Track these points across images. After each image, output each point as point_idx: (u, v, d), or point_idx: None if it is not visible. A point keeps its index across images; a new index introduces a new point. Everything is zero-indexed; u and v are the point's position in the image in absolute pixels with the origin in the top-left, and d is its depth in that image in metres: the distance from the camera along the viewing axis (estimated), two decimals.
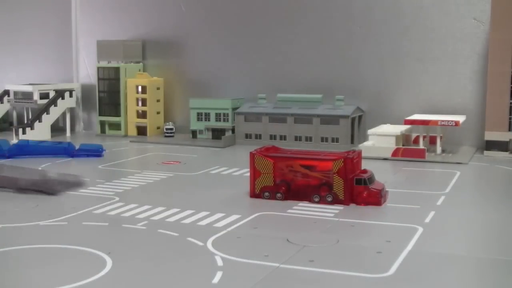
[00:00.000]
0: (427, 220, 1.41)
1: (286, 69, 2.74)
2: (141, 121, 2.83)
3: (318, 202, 1.55)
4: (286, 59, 2.74)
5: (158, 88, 2.88)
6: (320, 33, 2.68)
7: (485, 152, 2.32)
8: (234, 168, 2.04)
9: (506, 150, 2.30)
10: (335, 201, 1.54)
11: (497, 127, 2.30)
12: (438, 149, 2.29)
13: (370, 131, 2.34)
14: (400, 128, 2.36)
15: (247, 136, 2.59)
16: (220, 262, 1.11)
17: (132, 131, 2.85)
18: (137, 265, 1.11)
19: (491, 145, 2.32)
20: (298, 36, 2.72)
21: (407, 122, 2.30)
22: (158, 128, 2.87)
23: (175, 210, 1.49)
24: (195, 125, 2.70)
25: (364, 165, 2.14)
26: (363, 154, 2.22)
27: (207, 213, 1.46)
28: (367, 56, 2.62)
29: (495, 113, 2.30)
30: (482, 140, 2.45)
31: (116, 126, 2.88)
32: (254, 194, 1.62)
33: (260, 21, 2.78)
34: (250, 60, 2.81)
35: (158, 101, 2.88)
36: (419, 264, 1.12)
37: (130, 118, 2.85)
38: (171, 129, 2.78)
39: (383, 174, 2.00)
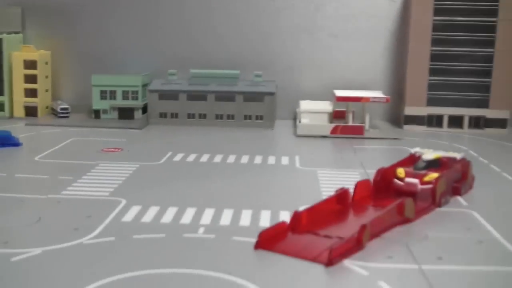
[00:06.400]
0: None
1: (193, 44, 2.57)
2: (31, 101, 2.48)
3: None
4: (193, 32, 2.57)
5: (46, 63, 2.54)
6: (230, 5, 2.56)
7: (405, 127, 2.43)
8: (187, 153, 1.89)
9: (423, 124, 2.43)
10: None
11: (416, 103, 2.42)
12: (367, 124, 2.34)
13: (301, 109, 2.32)
14: (322, 105, 2.37)
15: (162, 115, 2.41)
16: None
17: (19, 112, 2.47)
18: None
19: (409, 120, 2.43)
20: (207, 9, 2.57)
21: (340, 99, 2.30)
22: (46, 107, 2.55)
23: (197, 209, 1.34)
24: (99, 104, 2.43)
25: (306, 143, 2.14)
26: (302, 133, 2.23)
27: (230, 210, 1.35)
28: (279, 31, 2.56)
29: (414, 90, 2.41)
30: (392, 115, 2.56)
31: None
32: None
33: None
34: (152, 33, 2.58)
35: (46, 77, 2.55)
36: None
37: (16, 97, 2.48)
38: (66, 108, 2.48)
39: (346, 153, 2.00)
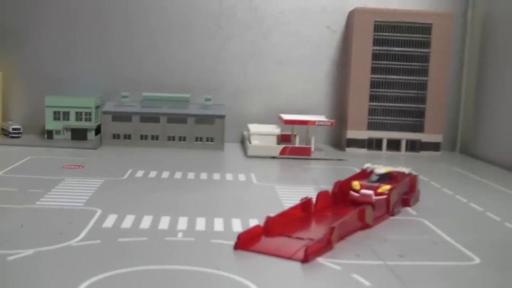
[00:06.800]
0: None
1: (144, 68, 2.67)
2: None
3: None
4: (144, 57, 2.67)
5: None
6: (180, 32, 2.67)
7: (346, 149, 2.58)
8: (147, 170, 1.97)
9: (364, 147, 2.58)
10: None
11: (357, 127, 2.57)
12: (313, 147, 2.47)
13: (251, 131, 2.43)
14: (270, 128, 2.50)
15: (115, 136, 2.47)
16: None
17: None
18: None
19: (351, 143, 2.58)
20: (158, 34, 2.66)
21: (287, 122, 2.43)
22: None
23: (171, 217, 1.43)
24: (52, 125, 2.48)
25: (258, 163, 2.25)
26: (252, 153, 2.33)
27: (202, 218, 1.44)
28: (228, 57, 2.69)
29: (356, 114, 2.57)
30: (334, 138, 2.71)
31: None
32: None
33: (114, 16, 2.66)
34: (104, 56, 2.66)
35: None
36: None
37: None
38: (18, 129, 2.50)
39: (297, 171, 2.13)
